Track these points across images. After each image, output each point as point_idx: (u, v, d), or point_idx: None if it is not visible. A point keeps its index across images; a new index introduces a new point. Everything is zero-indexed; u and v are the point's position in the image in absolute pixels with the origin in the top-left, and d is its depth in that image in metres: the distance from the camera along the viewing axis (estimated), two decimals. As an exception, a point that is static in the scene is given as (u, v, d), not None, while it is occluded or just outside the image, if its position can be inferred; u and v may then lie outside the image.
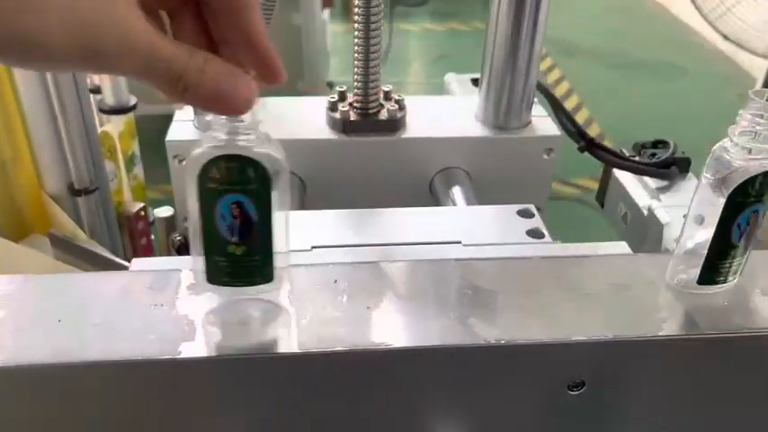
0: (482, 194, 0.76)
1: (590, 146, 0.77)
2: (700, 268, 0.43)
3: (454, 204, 0.74)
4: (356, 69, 0.75)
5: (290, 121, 0.80)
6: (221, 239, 0.37)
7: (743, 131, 0.39)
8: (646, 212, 0.73)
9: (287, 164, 0.37)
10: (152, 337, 0.39)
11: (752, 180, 0.39)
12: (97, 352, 0.38)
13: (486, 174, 0.79)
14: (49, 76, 0.78)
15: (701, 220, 0.42)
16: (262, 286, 0.40)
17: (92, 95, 0.90)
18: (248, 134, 0.36)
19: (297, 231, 0.58)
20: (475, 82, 0.96)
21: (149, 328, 0.40)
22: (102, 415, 0.41)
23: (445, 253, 0.56)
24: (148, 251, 1.01)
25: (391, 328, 0.41)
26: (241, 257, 0.38)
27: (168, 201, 0.83)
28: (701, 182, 0.41)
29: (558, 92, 3.09)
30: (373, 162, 0.77)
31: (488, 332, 0.40)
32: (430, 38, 3.90)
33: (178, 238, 0.73)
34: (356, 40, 0.73)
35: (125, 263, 0.79)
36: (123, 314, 0.41)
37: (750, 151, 0.39)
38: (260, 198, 0.37)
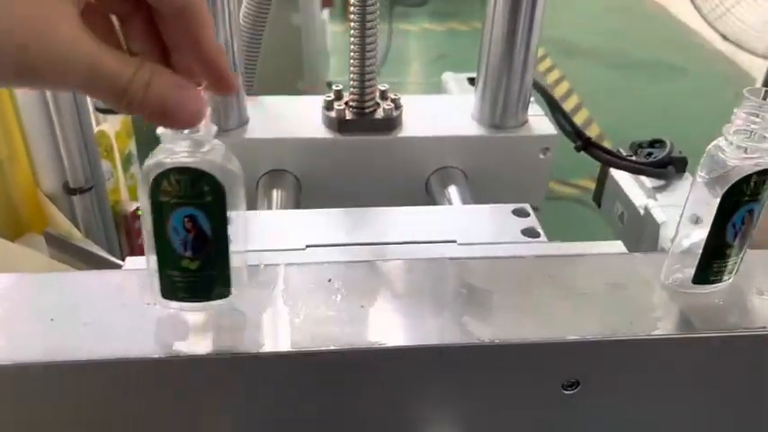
0: (478, 194, 0.76)
1: (587, 145, 0.77)
2: (695, 268, 0.43)
3: (450, 204, 0.74)
4: (352, 68, 0.74)
5: (286, 119, 0.80)
6: (175, 253, 0.37)
7: (738, 130, 0.39)
8: (642, 212, 0.73)
9: (241, 173, 0.37)
10: (145, 335, 0.39)
11: (747, 179, 0.39)
12: (90, 351, 0.38)
13: (483, 173, 0.79)
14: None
15: (695, 220, 0.42)
16: (218, 302, 0.39)
17: (88, 94, 0.90)
18: (201, 146, 0.35)
19: (291, 230, 0.58)
20: (472, 81, 0.95)
21: (142, 327, 0.40)
22: (96, 414, 0.41)
23: (440, 252, 0.56)
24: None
25: (385, 328, 0.41)
26: (195, 272, 0.37)
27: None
28: (695, 181, 0.41)
29: (558, 92, 3.09)
30: (369, 161, 0.77)
31: (483, 331, 0.40)
32: (429, 38, 3.89)
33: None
34: (352, 39, 0.72)
35: (120, 262, 0.79)
36: (116, 313, 0.41)
37: (745, 150, 0.39)
38: (214, 211, 0.36)
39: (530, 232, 0.60)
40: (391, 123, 0.76)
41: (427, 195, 0.79)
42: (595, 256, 0.49)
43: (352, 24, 0.72)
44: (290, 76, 2.12)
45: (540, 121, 0.81)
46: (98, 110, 1.02)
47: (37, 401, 0.40)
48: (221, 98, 0.74)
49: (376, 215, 0.62)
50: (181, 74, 0.35)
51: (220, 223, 0.36)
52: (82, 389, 0.39)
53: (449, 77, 1.00)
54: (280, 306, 0.42)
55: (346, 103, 0.77)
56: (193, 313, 0.40)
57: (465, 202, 0.74)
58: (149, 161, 0.35)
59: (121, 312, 0.41)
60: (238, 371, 0.40)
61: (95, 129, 0.90)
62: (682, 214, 0.43)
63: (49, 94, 0.78)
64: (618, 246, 0.58)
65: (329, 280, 0.44)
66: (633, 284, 0.45)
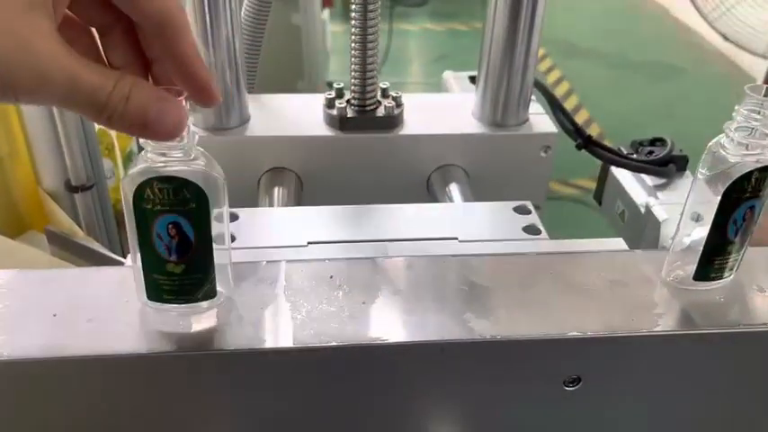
0: (479, 192, 0.76)
1: (588, 143, 0.77)
2: (696, 264, 0.43)
3: (451, 201, 0.74)
4: (353, 65, 0.74)
5: (288, 117, 0.80)
6: (160, 258, 0.37)
7: (739, 127, 0.39)
8: (643, 210, 0.73)
9: (224, 179, 0.37)
10: (148, 332, 0.39)
11: (748, 176, 0.39)
12: (93, 347, 0.38)
13: (484, 171, 0.79)
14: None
15: (696, 217, 0.42)
16: (204, 303, 0.40)
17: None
18: (183, 154, 0.35)
19: (293, 227, 0.59)
20: (472, 79, 0.95)
21: (145, 324, 0.40)
22: (99, 409, 0.41)
23: (442, 249, 0.56)
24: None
25: (387, 324, 0.41)
26: (181, 275, 0.38)
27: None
28: (696, 178, 0.41)
29: (558, 92, 3.08)
30: (370, 159, 0.77)
31: (484, 328, 0.40)
32: (429, 38, 3.89)
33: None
34: (353, 37, 0.72)
35: (122, 259, 0.79)
36: (119, 309, 0.41)
37: (746, 147, 0.39)
38: (197, 218, 0.36)
39: (531, 229, 0.60)
40: (392, 121, 0.76)
41: (428, 193, 0.79)
42: (597, 253, 0.49)
43: (353, 22, 0.72)
44: (290, 76, 2.12)
45: (540, 120, 0.81)
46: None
47: (40, 397, 0.40)
48: (222, 96, 0.74)
49: (378, 212, 0.62)
50: (162, 85, 0.35)
51: (204, 228, 0.37)
52: (85, 384, 0.40)
53: (449, 76, 1.00)
54: (281, 302, 0.42)
55: (347, 101, 0.77)
56: (194, 310, 0.40)
57: (466, 199, 0.74)
58: (132, 169, 0.35)
59: (124, 309, 0.41)
60: (240, 367, 0.40)
61: (96, 127, 0.90)
62: (683, 212, 0.43)
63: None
64: (619, 243, 0.58)
65: (331, 277, 0.44)
66: (634, 281, 0.45)
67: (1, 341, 0.38)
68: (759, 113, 0.38)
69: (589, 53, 3.63)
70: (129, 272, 0.41)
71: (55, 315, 0.40)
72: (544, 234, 0.60)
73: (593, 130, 2.71)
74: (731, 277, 0.44)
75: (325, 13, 2.48)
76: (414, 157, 0.77)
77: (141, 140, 0.35)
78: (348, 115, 0.76)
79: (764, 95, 0.38)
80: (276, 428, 0.43)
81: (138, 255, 0.38)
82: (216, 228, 0.37)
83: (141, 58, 0.35)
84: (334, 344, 0.39)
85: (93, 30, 0.34)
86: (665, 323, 0.42)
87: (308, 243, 0.56)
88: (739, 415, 0.47)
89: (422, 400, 0.43)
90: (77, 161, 0.82)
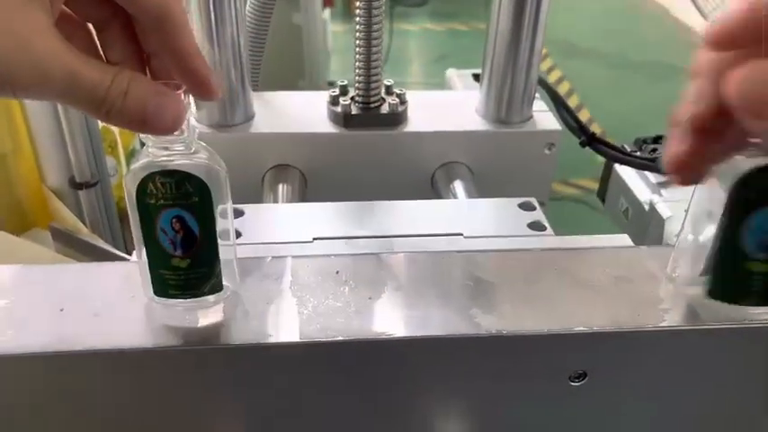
0: (483, 189, 0.76)
1: (591, 141, 0.77)
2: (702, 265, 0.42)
3: (456, 198, 0.74)
4: (357, 63, 0.74)
5: (292, 114, 0.80)
6: (165, 253, 0.37)
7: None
8: (647, 207, 0.73)
9: (226, 172, 0.37)
10: (155, 326, 0.40)
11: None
12: (99, 341, 0.38)
13: (488, 168, 0.79)
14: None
15: (708, 214, 0.42)
16: (210, 297, 0.40)
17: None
18: (185, 148, 0.35)
19: (298, 223, 0.59)
20: (476, 77, 0.96)
21: (152, 318, 0.40)
22: (105, 403, 0.41)
23: (447, 245, 0.56)
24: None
25: (393, 319, 0.41)
26: (186, 270, 0.38)
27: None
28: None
29: (559, 92, 3.09)
30: (374, 156, 0.77)
31: (490, 323, 0.40)
32: (430, 38, 3.90)
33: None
34: (357, 33, 0.72)
35: (126, 256, 0.79)
36: (126, 304, 0.41)
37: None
38: (201, 211, 0.36)
39: (536, 226, 0.60)
40: (397, 118, 0.76)
41: (432, 190, 0.79)
42: (602, 249, 0.49)
43: (358, 18, 0.72)
44: (291, 75, 2.12)
45: (544, 117, 0.81)
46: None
47: (47, 392, 0.40)
48: (227, 93, 0.74)
49: (383, 208, 0.62)
50: (161, 79, 0.35)
51: (208, 222, 0.37)
52: (91, 379, 0.40)
53: (453, 74, 1.00)
54: (288, 297, 0.42)
55: (352, 98, 0.77)
56: (201, 304, 0.40)
57: (470, 196, 0.74)
58: (135, 164, 0.35)
59: (130, 303, 0.41)
60: (247, 361, 0.40)
61: (100, 124, 0.90)
62: (687, 209, 0.43)
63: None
64: (624, 239, 0.58)
65: (337, 272, 0.44)
66: (640, 277, 0.45)
67: (8, 336, 0.38)
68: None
69: (589, 53, 3.63)
70: (134, 267, 0.41)
71: (62, 310, 0.40)
72: (549, 230, 0.60)
73: (594, 130, 2.70)
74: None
75: (326, 13, 2.48)
76: (418, 155, 0.77)
77: (142, 135, 0.35)
78: (352, 112, 0.76)
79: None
80: (282, 422, 0.43)
81: (144, 250, 0.38)
82: (221, 223, 0.37)
83: (139, 52, 0.35)
84: (340, 338, 0.39)
85: (90, 25, 0.34)
86: (671, 318, 0.42)
87: (314, 239, 0.56)
88: (745, 410, 0.47)
89: (428, 395, 0.43)
90: (82, 158, 0.82)
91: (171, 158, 0.35)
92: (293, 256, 0.45)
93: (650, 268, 0.46)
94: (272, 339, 0.39)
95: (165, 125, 0.32)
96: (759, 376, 0.45)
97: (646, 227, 0.72)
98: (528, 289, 0.43)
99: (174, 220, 0.36)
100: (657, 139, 0.78)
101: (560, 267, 0.45)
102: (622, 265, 0.46)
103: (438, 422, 0.44)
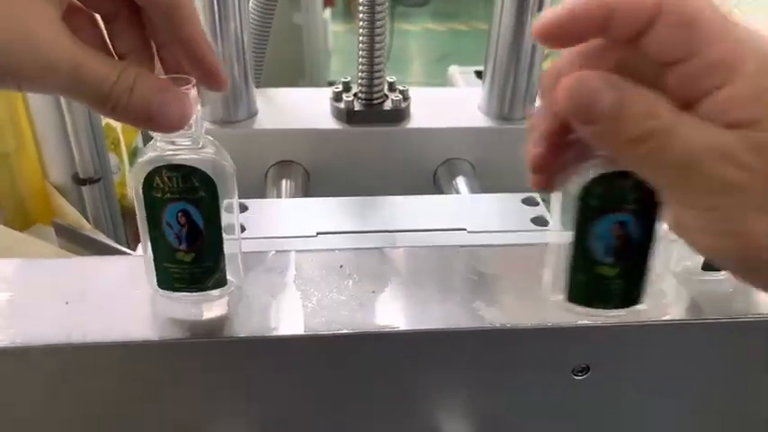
0: (486, 185, 0.76)
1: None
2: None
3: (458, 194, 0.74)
4: (360, 59, 0.74)
5: (295, 111, 0.80)
6: (170, 246, 0.37)
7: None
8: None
9: (233, 167, 0.37)
10: (161, 319, 0.40)
11: None
12: (104, 334, 0.38)
13: (490, 164, 0.79)
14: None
15: (558, 221, 0.41)
16: (214, 291, 0.40)
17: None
18: (192, 143, 0.35)
19: (302, 217, 0.59)
20: (479, 74, 0.96)
21: (158, 311, 0.40)
22: (110, 395, 0.41)
23: (450, 240, 0.56)
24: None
25: (397, 312, 0.41)
26: (190, 264, 0.38)
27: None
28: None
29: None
30: (377, 152, 0.77)
31: (493, 316, 0.40)
32: (431, 38, 3.90)
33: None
34: (361, 30, 0.73)
35: (128, 251, 0.79)
36: (131, 297, 0.41)
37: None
38: (206, 206, 0.36)
39: (539, 221, 0.60)
40: (399, 114, 0.77)
41: (435, 187, 0.79)
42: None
43: (361, 14, 0.72)
44: (292, 75, 2.12)
45: (547, 114, 0.81)
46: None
47: (53, 384, 0.40)
48: (230, 90, 0.74)
49: (386, 203, 0.62)
50: (170, 71, 0.35)
51: (213, 217, 0.37)
52: (96, 371, 0.40)
53: (455, 71, 1.01)
54: (292, 291, 0.42)
55: (355, 95, 0.77)
56: (205, 299, 0.41)
57: (473, 192, 0.74)
58: (142, 158, 0.35)
59: (135, 297, 0.41)
60: (252, 354, 0.40)
61: (103, 121, 0.90)
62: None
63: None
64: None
65: (341, 266, 0.44)
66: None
67: (15, 328, 0.38)
68: None
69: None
70: (139, 261, 0.41)
71: (67, 303, 0.40)
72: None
73: (596, 129, 2.70)
74: None
75: (327, 13, 2.48)
76: (420, 151, 0.77)
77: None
78: (355, 108, 0.76)
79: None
80: (286, 415, 0.44)
81: (149, 244, 0.38)
82: (226, 218, 0.38)
83: (147, 44, 0.35)
84: (344, 331, 0.39)
85: (99, 17, 0.34)
86: (674, 312, 0.42)
87: (318, 233, 0.56)
88: (749, 404, 0.47)
89: (431, 388, 0.43)
90: (85, 154, 0.82)
91: (178, 153, 0.35)
92: (297, 251, 0.46)
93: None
94: (278, 332, 0.39)
95: (170, 123, 0.32)
96: (761, 369, 0.45)
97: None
98: (531, 283, 0.43)
99: (179, 214, 0.36)
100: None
101: (563, 261, 0.45)
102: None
103: (441, 415, 0.44)
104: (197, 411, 0.42)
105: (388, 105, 0.76)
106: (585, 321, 0.40)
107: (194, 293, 0.39)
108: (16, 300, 0.41)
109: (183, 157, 0.35)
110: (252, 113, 0.78)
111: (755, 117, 0.24)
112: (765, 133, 0.24)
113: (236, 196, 0.39)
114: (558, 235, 0.34)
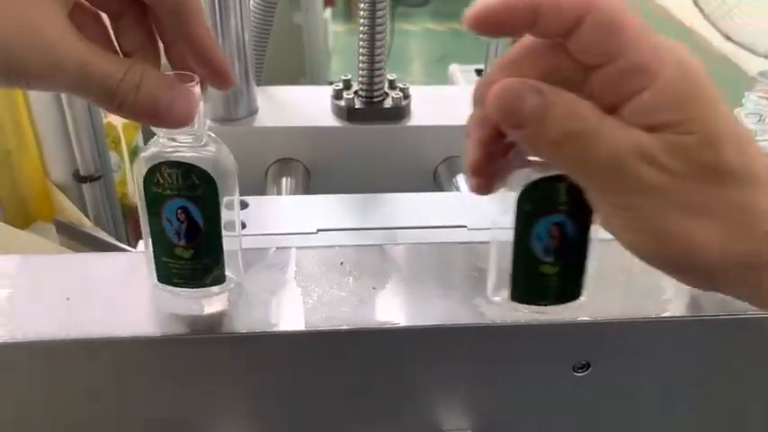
0: (486, 183, 0.76)
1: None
2: None
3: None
4: (361, 57, 0.74)
5: (295, 108, 0.80)
6: (169, 242, 0.37)
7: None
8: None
9: (234, 165, 0.37)
10: (162, 315, 0.40)
11: None
12: (104, 329, 0.38)
13: (490, 163, 0.79)
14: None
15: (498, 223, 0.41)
16: (213, 288, 0.40)
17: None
18: (193, 140, 0.35)
19: (302, 214, 0.59)
20: (479, 73, 0.96)
21: (158, 307, 0.40)
22: (109, 390, 0.41)
23: (450, 237, 0.56)
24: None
25: (397, 308, 0.41)
26: (189, 260, 0.38)
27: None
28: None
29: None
30: (377, 150, 0.77)
31: (494, 312, 0.40)
32: (431, 38, 3.90)
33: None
34: (362, 27, 0.73)
35: (129, 248, 0.79)
36: (132, 293, 0.41)
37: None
38: (206, 203, 0.36)
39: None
40: (400, 112, 0.77)
41: (435, 184, 0.79)
42: (604, 240, 0.49)
43: (361, 12, 0.72)
44: (292, 75, 2.12)
45: (547, 113, 0.81)
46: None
47: (54, 379, 0.40)
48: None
49: (386, 201, 0.62)
50: (177, 69, 0.35)
51: (213, 214, 0.37)
52: (97, 366, 0.40)
53: (456, 69, 1.01)
54: (293, 287, 0.42)
55: (355, 93, 0.77)
56: (205, 294, 0.41)
57: (473, 191, 0.74)
58: (144, 153, 0.36)
59: (136, 293, 0.41)
60: (253, 350, 0.40)
61: (104, 119, 0.90)
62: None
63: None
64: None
65: (341, 263, 0.44)
66: (642, 268, 0.45)
67: (15, 324, 0.38)
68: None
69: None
70: (139, 257, 0.41)
71: (68, 299, 0.40)
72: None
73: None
74: None
75: (327, 13, 2.48)
76: (421, 149, 0.77)
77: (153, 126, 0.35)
78: (356, 106, 0.76)
79: (775, 81, 0.38)
80: (286, 411, 0.44)
81: (150, 238, 0.38)
82: (226, 215, 0.38)
83: (153, 42, 0.35)
84: (345, 327, 0.40)
85: (105, 16, 0.34)
86: (674, 309, 0.42)
87: (318, 230, 0.56)
88: (749, 401, 0.47)
89: (431, 384, 0.43)
90: (86, 152, 0.82)
91: (178, 149, 0.35)
92: (297, 248, 0.46)
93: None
94: (278, 328, 0.39)
95: (176, 119, 0.33)
96: (762, 366, 0.45)
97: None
98: (531, 280, 0.43)
99: (179, 211, 0.36)
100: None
101: (564, 258, 0.45)
102: (625, 255, 0.46)
103: (442, 411, 0.44)
104: (197, 406, 0.43)
105: (388, 103, 0.76)
106: (586, 318, 0.41)
107: (193, 289, 0.39)
108: (17, 296, 0.41)
109: (183, 154, 0.35)
110: (252, 111, 0.78)
111: (675, 120, 0.25)
112: (684, 136, 0.25)
113: (237, 194, 0.39)
114: (499, 235, 0.35)
